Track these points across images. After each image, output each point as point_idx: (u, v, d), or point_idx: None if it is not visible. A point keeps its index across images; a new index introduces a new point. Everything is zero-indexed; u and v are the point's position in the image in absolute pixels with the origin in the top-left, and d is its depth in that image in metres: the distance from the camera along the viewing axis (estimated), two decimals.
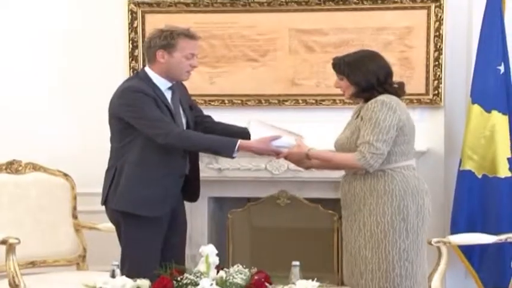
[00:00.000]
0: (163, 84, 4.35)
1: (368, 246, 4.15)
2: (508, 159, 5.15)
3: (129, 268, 4.27)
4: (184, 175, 4.39)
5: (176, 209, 4.44)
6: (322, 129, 5.10)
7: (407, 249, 4.11)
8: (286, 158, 4.39)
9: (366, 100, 4.17)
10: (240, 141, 4.28)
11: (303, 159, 4.31)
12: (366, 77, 4.15)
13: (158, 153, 4.30)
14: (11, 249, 4.66)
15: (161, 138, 4.23)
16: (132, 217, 4.32)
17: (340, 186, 4.29)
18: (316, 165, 4.35)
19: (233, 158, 4.37)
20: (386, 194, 4.11)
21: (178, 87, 4.50)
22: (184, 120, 4.44)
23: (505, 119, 5.17)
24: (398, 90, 4.23)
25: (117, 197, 4.35)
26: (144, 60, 5.31)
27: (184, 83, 4.68)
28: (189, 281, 3.69)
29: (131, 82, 4.44)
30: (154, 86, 4.33)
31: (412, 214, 4.11)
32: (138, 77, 4.46)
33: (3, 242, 4.68)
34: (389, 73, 4.23)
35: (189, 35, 4.34)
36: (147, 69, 4.39)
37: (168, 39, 4.30)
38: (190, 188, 4.52)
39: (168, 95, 4.38)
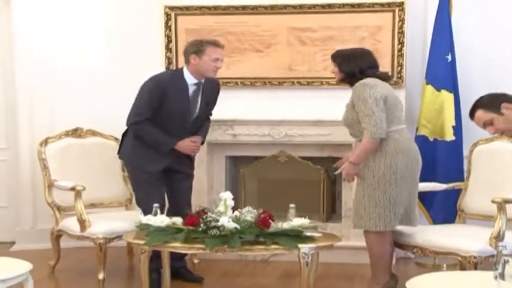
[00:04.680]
0: (190, 79, 4.87)
1: (366, 194, 4.49)
2: (452, 126, 5.65)
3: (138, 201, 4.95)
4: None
5: (173, 167, 4.96)
6: (312, 104, 5.81)
7: (395, 196, 4.46)
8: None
9: (351, 85, 4.50)
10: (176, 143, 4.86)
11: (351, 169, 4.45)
12: (350, 67, 4.53)
13: (159, 128, 4.86)
14: (78, 194, 5.16)
15: (128, 121, 4.88)
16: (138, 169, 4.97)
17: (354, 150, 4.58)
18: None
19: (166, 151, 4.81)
20: (382, 154, 4.43)
21: (211, 88, 4.98)
22: (197, 109, 4.92)
23: (451, 96, 5.65)
24: (381, 76, 4.55)
25: (126, 153, 5.01)
26: (176, 51, 5.92)
27: None
28: (211, 219, 4.19)
29: (160, 73, 4.97)
30: (183, 79, 4.83)
31: (402, 168, 4.44)
32: (173, 70, 4.97)
33: (73, 188, 5.20)
34: (372, 65, 4.55)
35: (214, 44, 4.85)
36: (184, 67, 4.91)
37: (198, 47, 4.82)
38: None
39: (192, 88, 4.87)
